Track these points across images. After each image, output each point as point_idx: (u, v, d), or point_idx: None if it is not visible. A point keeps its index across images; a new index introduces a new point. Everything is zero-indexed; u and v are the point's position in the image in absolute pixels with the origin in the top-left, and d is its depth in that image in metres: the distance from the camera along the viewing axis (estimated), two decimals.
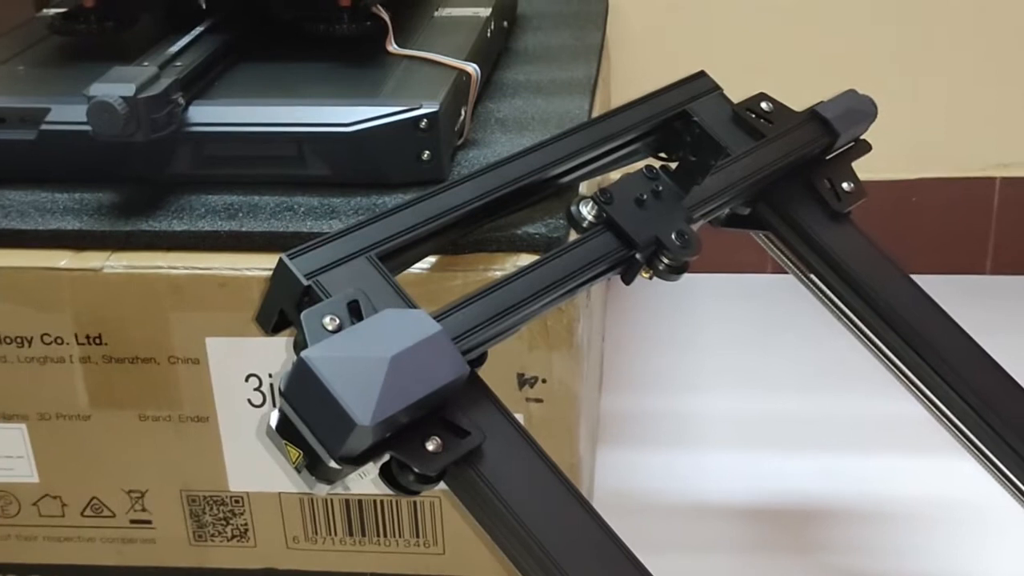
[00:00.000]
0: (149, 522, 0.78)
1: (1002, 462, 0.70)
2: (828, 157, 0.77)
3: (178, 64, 0.75)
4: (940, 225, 1.28)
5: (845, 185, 0.76)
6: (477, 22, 0.90)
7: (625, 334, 1.21)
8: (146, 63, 0.73)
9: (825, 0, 1.21)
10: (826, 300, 0.76)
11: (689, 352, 1.18)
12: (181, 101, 0.72)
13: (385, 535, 0.77)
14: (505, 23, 1.01)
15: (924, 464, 0.98)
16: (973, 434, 0.71)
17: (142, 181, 0.75)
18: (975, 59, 1.23)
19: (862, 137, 0.79)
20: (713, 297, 1.27)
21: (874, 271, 0.73)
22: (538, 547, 0.51)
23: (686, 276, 0.66)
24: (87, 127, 0.69)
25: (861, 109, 0.77)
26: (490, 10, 0.93)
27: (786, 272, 0.78)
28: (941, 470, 0.96)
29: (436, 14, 0.92)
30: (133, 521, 0.78)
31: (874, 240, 0.75)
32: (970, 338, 0.73)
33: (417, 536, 0.77)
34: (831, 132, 0.75)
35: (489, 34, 0.92)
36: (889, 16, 1.21)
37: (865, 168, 0.78)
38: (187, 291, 0.70)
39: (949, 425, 0.73)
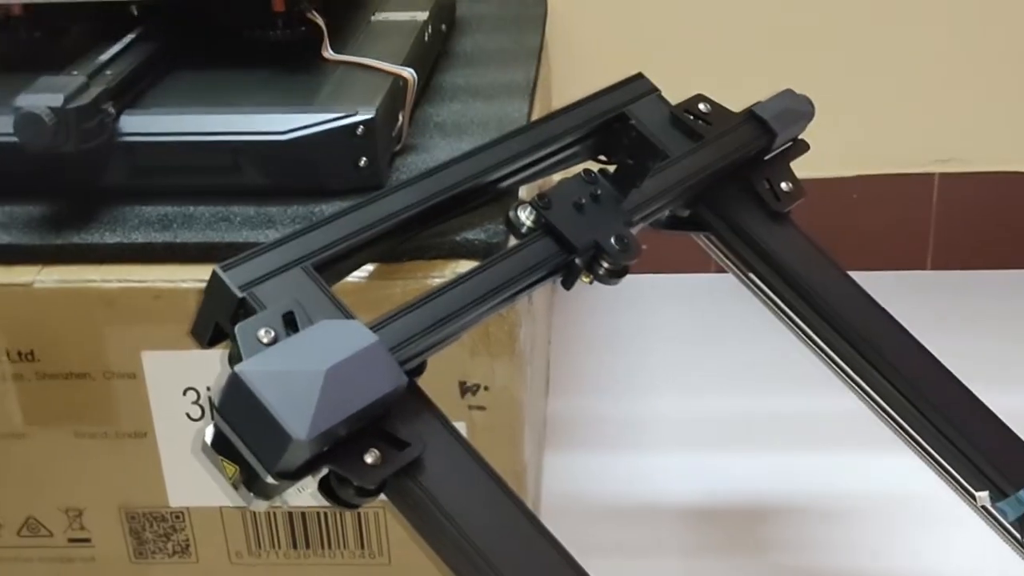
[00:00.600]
0: (88, 540, 0.77)
1: (942, 456, 0.71)
2: (767, 157, 0.77)
3: (108, 73, 0.74)
4: (881, 222, 1.29)
5: (784, 185, 0.76)
6: (414, 26, 0.89)
7: (571, 336, 1.21)
8: (75, 72, 0.72)
9: (761, 0, 1.22)
10: (767, 300, 0.76)
11: (635, 353, 1.18)
12: (112, 111, 0.71)
13: (330, 547, 0.76)
14: (443, 26, 1.01)
15: (868, 461, 0.99)
16: (913, 430, 0.72)
17: (73, 193, 0.74)
18: (911, 56, 1.24)
19: (800, 136, 0.79)
20: (658, 298, 1.27)
21: (814, 270, 0.74)
22: (480, 558, 0.51)
23: (631, 277, 0.66)
24: (15, 138, 0.67)
25: (798, 109, 0.77)
26: (427, 14, 0.92)
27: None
28: (885, 466, 0.97)
29: (373, 19, 0.91)
30: (71, 540, 0.77)
31: (814, 239, 0.75)
32: (909, 335, 0.73)
33: (362, 547, 0.76)
34: (769, 132, 0.75)
35: (427, 38, 0.91)
36: (824, 15, 1.22)
37: (804, 167, 0.78)
38: (121, 304, 0.69)
39: (890, 421, 0.73)
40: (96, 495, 0.75)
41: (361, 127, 0.72)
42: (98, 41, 0.78)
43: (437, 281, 0.67)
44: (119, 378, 0.71)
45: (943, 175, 1.28)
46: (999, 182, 1.27)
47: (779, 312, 0.76)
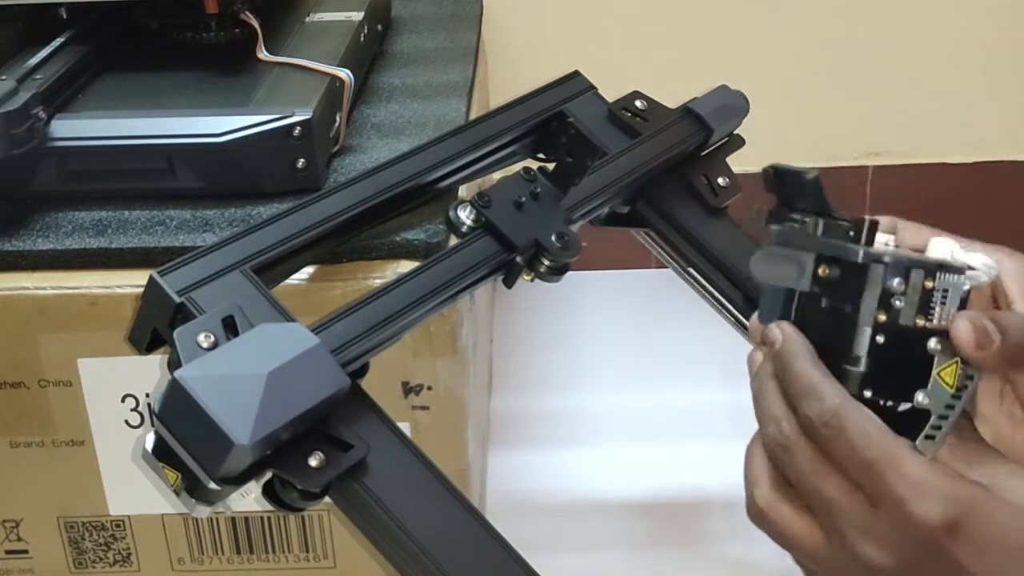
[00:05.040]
0: (26, 551, 0.75)
1: None
2: (703, 153, 0.78)
3: (38, 77, 0.72)
4: None
5: (721, 180, 0.77)
6: (349, 26, 0.89)
7: (513, 334, 1.21)
8: (3, 77, 0.71)
9: None
10: (706, 293, 0.77)
11: (577, 350, 1.19)
12: (42, 115, 0.70)
13: (274, 551, 0.76)
14: (379, 27, 1.00)
15: None
16: None
17: (4, 199, 0.73)
18: (842, 51, 1.25)
19: (736, 132, 0.80)
20: (599, 294, 1.28)
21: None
22: (426, 558, 0.50)
23: (572, 274, 0.66)
24: None
25: (734, 104, 0.78)
26: (363, 14, 0.91)
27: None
28: None
29: (307, 19, 0.90)
30: (9, 551, 0.75)
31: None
32: None
33: (307, 551, 0.76)
34: (705, 128, 0.76)
35: (362, 38, 0.90)
36: (759, 11, 1.24)
37: (740, 162, 0.79)
38: (55, 311, 0.68)
39: None
40: (33, 505, 0.74)
41: (298, 128, 0.71)
42: (27, 45, 0.77)
43: (378, 282, 0.66)
44: (55, 386, 0.70)
45: (876, 167, 1.30)
46: (927, 173, 1.30)
47: (718, 305, 0.76)
